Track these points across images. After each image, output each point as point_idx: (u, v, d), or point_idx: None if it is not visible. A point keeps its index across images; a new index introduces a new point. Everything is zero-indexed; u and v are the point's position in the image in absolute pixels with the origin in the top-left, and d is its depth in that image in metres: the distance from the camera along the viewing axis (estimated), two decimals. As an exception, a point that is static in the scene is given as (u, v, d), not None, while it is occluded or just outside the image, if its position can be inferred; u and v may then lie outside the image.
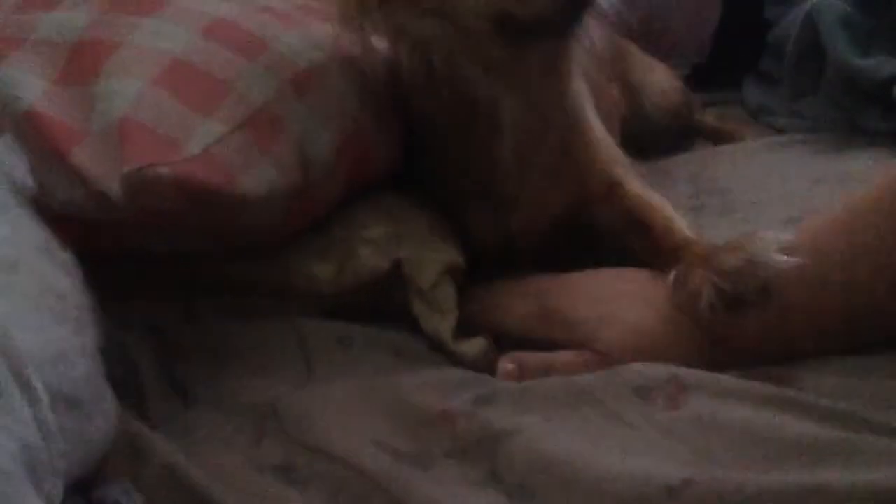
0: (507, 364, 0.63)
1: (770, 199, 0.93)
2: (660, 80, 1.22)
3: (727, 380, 0.54)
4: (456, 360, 0.67)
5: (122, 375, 0.56)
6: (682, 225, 0.74)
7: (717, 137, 1.25)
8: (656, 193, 0.79)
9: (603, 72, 0.96)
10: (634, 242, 0.74)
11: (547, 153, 0.75)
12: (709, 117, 1.32)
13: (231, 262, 0.68)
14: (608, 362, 0.59)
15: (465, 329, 0.69)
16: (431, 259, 0.70)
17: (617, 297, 0.66)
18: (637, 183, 0.79)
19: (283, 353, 0.66)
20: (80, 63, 0.64)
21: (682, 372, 0.55)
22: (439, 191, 0.77)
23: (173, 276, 0.68)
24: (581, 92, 0.78)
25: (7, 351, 0.39)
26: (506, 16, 0.65)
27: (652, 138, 1.15)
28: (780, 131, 1.22)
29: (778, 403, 0.50)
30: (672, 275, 0.64)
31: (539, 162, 0.75)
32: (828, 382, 0.51)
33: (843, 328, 0.55)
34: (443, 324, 0.68)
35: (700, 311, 0.59)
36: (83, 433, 0.44)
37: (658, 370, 0.56)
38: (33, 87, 0.62)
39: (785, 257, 0.58)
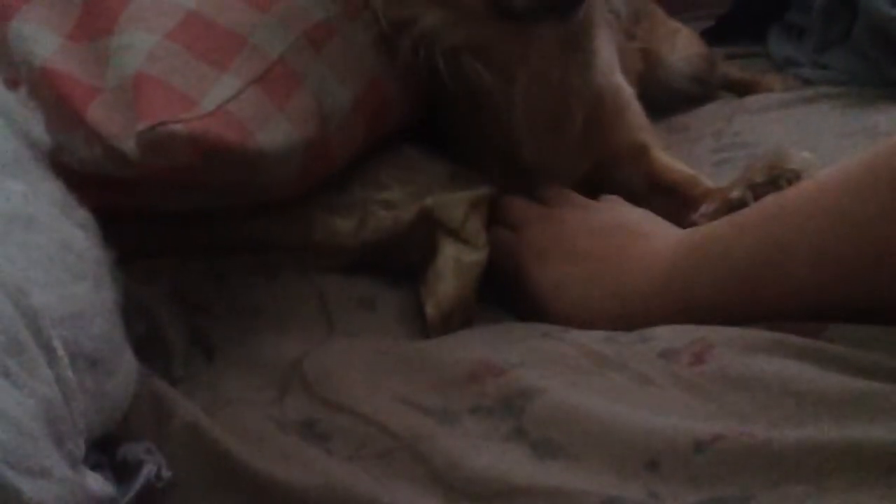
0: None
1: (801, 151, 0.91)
2: (684, 45, 1.21)
3: (754, 333, 0.53)
4: None
5: (144, 333, 0.56)
6: (706, 179, 0.77)
7: (742, 89, 1.24)
8: (677, 158, 0.82)
9: (622, 30, 0.95)
10: (659, 204, 0.75)
11: (572, 123, 0.76)
12: (732, 69, 1.30)
13: (252, 219, 0.68)
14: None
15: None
16: (457, 198, 0.70)
17: (583, 260, 0.66)
18: (660, 149, 0.81)
19: (305, 312, 0.66)
20: (94, 16, 0.63)
21: (708, 330, 0.55)
22: (464, 153, 0.77)
23: (196, 234, 0.68)
24: (609, 58, 0.78)
25: (26, 309, 0.38)
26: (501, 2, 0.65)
27: (673, 100, 1.15)
28: (807, 83, 1.20)
29: (806, 356, 0.49)
30: (702, 209, 0.68)
31: (565, 132, 0.76)
32: (858, 332, 0.50)
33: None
34: (473, 257, 0.69)
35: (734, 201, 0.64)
36: (103, 391, 0.44)
37: (682, 332, 0.55)
38: (47, 42, 0.61)
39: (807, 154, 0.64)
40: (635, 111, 0.82)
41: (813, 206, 0.53)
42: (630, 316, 0.61)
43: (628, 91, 0.82)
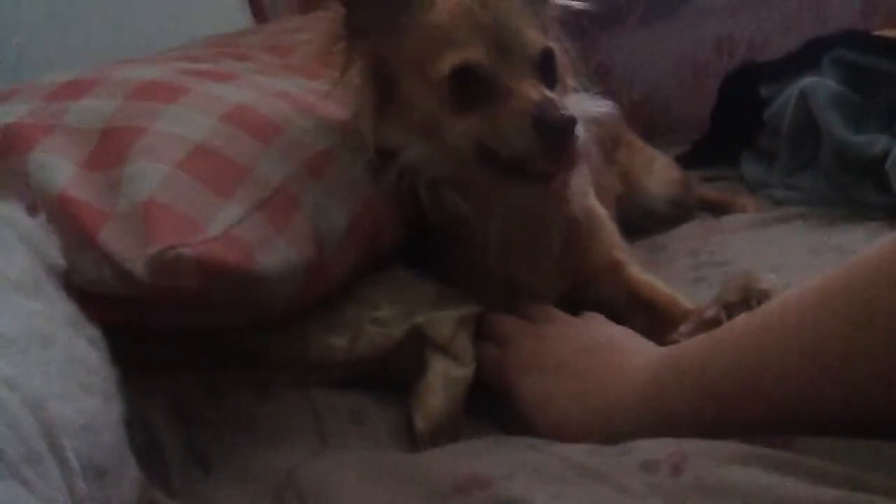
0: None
1: (771, 270, 0.94)
2: (661, 171, 1.27)
3: (729, 446, 0.55)
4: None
5: (144, 445, 0.58)
6: (684, 299, 0.80)
7: (717, 209, 1.29)
8: (653, 275, 0.85)
9: (601, 156, 1.01)
10: (637, 319, 0.78)
11: (549, 249, 0.80)
12: (708, 190, 1.35)
13: (248, 336, 0.70)
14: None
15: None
16: (446, 316, 0.73)
17: (567, 376, 0.68)
18: (636, 266, 0.85)
19: (299, 426, 0.68)
20: (108, 148, 0.68)
21: (685, 443, 0.57)
22: (449, 272, 0.81)
23: (194, 350, 0.71)
24: (583, 182, 0.83)
25: (43, 421, 0.41)
26: (486, 149, 0.71)
27: (651, 222, 1.20)
28: (778, 204, 1.25)
29: (778, 466, 0.51)
30: (681, 328, 0.71)
31: (541, 257, 0.80)
32: (825, 444, 0.53)
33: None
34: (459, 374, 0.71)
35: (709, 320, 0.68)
36: (109, 501, 0.46)
37: (661, 444, 0.57)
38: (63, 170, 0.66)
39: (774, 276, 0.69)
40: (609, 231, 0.87)
41: (778, 327, 0.56)
42: (612, 429, 0.63)
43: (601, 212, 0.87)
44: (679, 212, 1.25)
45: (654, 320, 0.78)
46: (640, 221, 1.17)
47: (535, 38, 0.72)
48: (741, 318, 0.62)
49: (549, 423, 0.67)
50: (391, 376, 0.73)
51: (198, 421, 0.67)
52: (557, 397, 0.68)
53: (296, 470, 0.61)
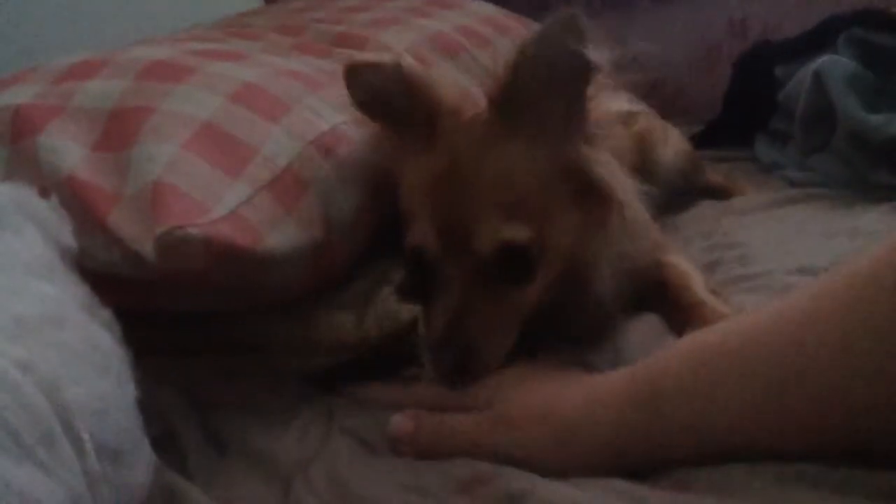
0: (403, 420, 0.62)
1: (784, 252, 0.95)
2: (674, 144, 1.25)
3: None
4: None
5: (158, 428, 0.58)
6: (698, 283, 0.77)
7: (723, 194, 1.27)
8: (684, 259, 0.82)
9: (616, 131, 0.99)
10: (652, 297, 0.77)
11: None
12: (714, 175, 1.34)
13: (258, 319, 0.70)
14: (505, 425, 0.58)
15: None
16: None
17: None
18: (675, 256, 0.82)
19: (308, 410, 0.68)
20: (117, 129, 0.68)
21: None
22: None
23: (205, 334, 0.70)
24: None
25: (58, 403, 0.41)
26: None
27: (663, 196, 1.18)
28: (792, 185, 1.24)
29: None
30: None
31: None
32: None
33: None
34: None
35: None
36: (124, 483, 0.46)
37: None
38: (72, 153, 0.65)
39: None
40: (653, 233, 0.84)
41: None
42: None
43: (645, 216, 0.83)
44: (688, 184, 1.23)
45: (666, 301, 0.77)
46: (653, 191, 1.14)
47: (491, 232, 0.63)
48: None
49: None
50: (399, 358, 0.72)
51: (211, 404, 0.67)
52: None
53: (307, 459, 0.61)
